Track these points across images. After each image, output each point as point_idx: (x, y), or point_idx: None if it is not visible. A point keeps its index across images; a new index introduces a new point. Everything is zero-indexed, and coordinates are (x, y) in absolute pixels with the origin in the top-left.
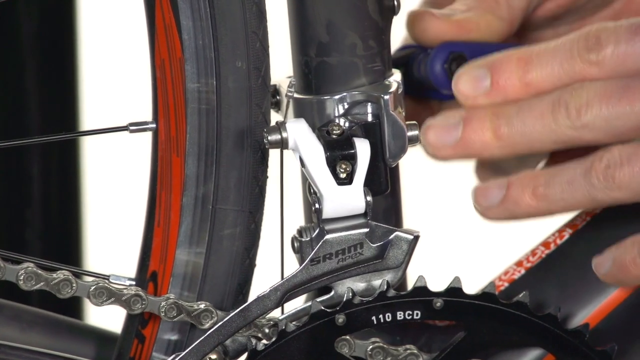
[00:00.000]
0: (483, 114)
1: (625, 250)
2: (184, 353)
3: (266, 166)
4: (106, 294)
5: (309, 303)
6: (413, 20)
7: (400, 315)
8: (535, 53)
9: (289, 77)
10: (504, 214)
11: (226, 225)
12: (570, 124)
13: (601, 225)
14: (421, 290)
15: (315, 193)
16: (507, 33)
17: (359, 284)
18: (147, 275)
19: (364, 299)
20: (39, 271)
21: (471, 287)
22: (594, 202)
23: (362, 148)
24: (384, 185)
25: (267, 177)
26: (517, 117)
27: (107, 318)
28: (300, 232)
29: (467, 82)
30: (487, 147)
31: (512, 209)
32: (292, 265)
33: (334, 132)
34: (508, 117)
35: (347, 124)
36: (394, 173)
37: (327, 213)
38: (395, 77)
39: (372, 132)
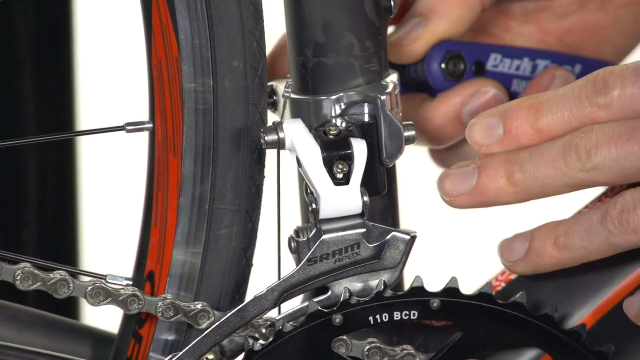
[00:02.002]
0: (497, 161)
1: None
2: (180, 353)
3: (263, 166)
4: (103, 294)
5: (306, 303)
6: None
7: (397, 316)
8: (545, 99)
9: (286, 77)
10: (530, 267)
11: (223, 225)
12: (581, 166)
13: None
14: (418, 290)
15: (312, 193)
16: (479, 13)
17: (356, 284)
18: (144, 275)
19: (360, 299)
20: (36, 271)
21: (468, 287)
22: (613, 248)
23: (359, 148)
24: (380, 186)
25: (264, 177)
26: (530, 163)
27: (104, 318)
28: (297, 232)
29: (480, 130)
30: (502, 193)
31: (536, 261)
32: (289, 266)
33: (331, 132)
34: (521, 163)
35: (343, 124)
36: (391, 173)
37: (324, 213)
38: (392, 78)
39: (368, 132)
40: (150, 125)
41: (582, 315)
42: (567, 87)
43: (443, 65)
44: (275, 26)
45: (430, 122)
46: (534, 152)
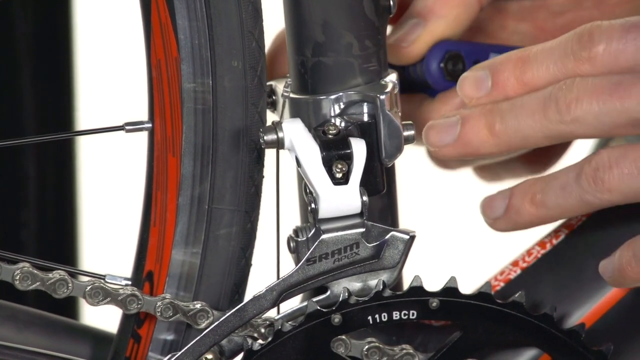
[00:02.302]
0: (479, 113)
1: (622, 253)
2: (179, 353)
3: (262, 166)
4: (102, 293)
5: (305, 303)
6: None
7: (396, 315)
8: (533, 52)
9: (285, 77)
10: (509, 224)
11: (222, 225)
12: (560, 118)
13: (597, 225)
14: (417, 290)
15: (311, 193)
16: (477, 12)
17: (355, 284)
18: (143, 275)
19: (360, 298)
20: (35, 271)
21: (467, 287)
22: (587, 206)
23: (358, 148)
24: (380, 185)
25: (263, 176)
26: (511, 114)
27: (103, 318)
28: (296, 232)
29: (470, 83)
30: (483, 144)
31: (515, 219)
32: (288, 265)
33: (330, 132)
34: (502, 114)
35: (343, 124)
36: (390, 173)
37: (323, 213)
38: (391, 77)
39: (368, 132)
40: (150, 125)
41: (581, 315)
42: (555, 40)
43: (442, 65)
44: (274, 26)
45: (431, 120)
46: (515, 103)
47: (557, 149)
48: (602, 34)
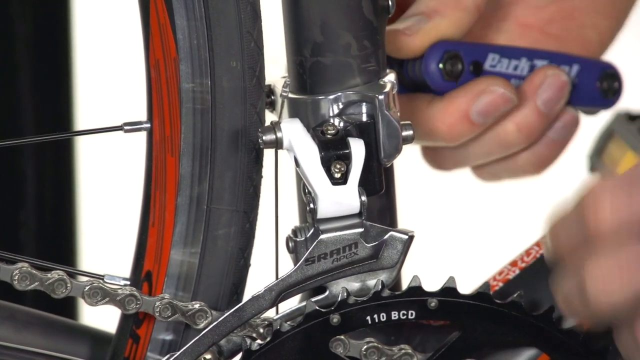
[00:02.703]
0: None
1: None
2: (178, 353)
3: (261, 166)
4: (101, 293)
5: (304, 303)
6: (390, 42)
7: (394, 315)
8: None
9: (284, 77)
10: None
11: (221, 225)
12: None
13: None
14: (416, 290)
15: (309, 193)
16: (476, 18)
17: (353, 284)
18: (141, 275)
19: (358, 298)
20: (34, 271)
21: (466, 287)
22: None
23: (357, 148)
24: (378, 185)
25: (262, 177)
26: None
27: (102, 318)
28: (294, 232)
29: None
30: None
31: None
32: (287, 265)
33: (329, 132)
34: None
35: (341, 124)
36: (389, 173)
37: (321, 213)
38: (390, 77)
39: (366, 132)
40: (148, 125)
41: None
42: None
43: (441, 66)
44: (273, 27)
45: (440, 121)
46: None
47: (554, 151)
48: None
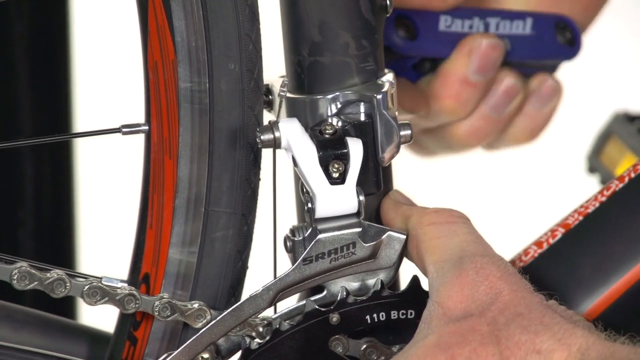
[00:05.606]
0: None
1: None
2: (176, 352)
3: (259, 168)
4: (100, 293)
5: (303, 302)
6: None
7: (394, 315)
8: None
9: (282, 76)
10: None
11: (218, 228)
12: None
13: (594, 224)
14: (415, 289)
15: (307, 193)
16: None
17: (352, 283)
18: (139, 277)
19: (358, 298)
20: (33, 270)
21: None
22: None
23: (355, 147)
24: (376, 185)
25: (260, 179)
26: None
27: (100, 318)
28: (292, 231)
29: None
30: None
31: None
32: (285, 265)
33: (327, 131)
34: None
35: (339, 124)
36: (387, 172)
37: (319, 213)
38: (388, 77)
39: (364, 131)
40: (146, 127)
41: (580, 313)
42: None
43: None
44: (271, 29)
45: (445, 96)
46: None
47: (492, 126)
48: None
